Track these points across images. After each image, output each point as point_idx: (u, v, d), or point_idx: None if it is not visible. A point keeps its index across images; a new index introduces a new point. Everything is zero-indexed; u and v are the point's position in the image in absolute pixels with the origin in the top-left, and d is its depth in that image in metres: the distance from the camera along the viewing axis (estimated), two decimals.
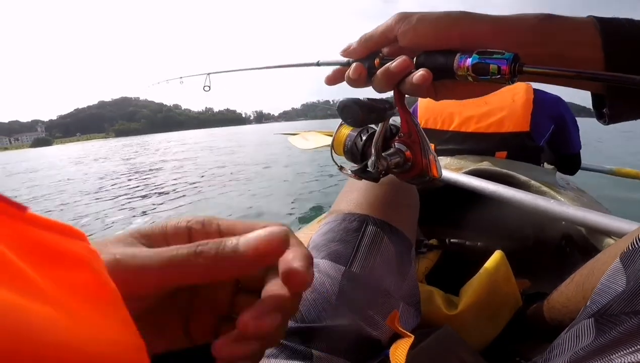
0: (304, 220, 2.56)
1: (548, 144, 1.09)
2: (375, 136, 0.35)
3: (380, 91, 0.31)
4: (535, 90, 1.03)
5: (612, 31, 0.27)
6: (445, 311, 0.54)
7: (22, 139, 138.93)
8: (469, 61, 0.26)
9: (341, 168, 0.40)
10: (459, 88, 0.30)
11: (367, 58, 0.32)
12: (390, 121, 0.35)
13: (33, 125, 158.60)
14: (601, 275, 0.32)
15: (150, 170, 6.67)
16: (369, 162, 0.35)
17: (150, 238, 0.19)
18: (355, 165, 0.37)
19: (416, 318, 0.44)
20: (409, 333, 0.35)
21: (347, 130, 0.42)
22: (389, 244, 0.43)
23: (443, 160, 1.05)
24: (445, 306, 0.55)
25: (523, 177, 0.85)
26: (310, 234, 0.57)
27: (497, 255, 0.58)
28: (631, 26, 0.27)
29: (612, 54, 0.26)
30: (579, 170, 1.21)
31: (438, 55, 0.28)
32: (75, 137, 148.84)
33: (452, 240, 0.78)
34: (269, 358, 0.36)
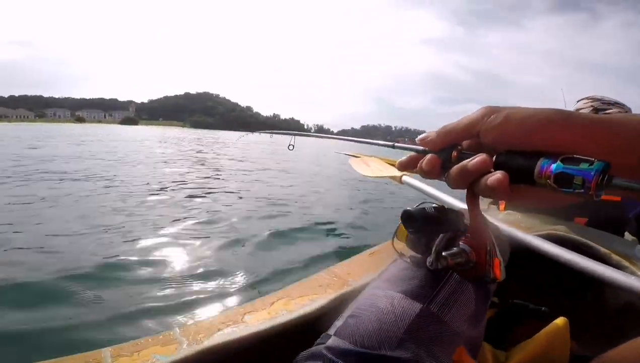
0: (341, 254, 2.46)
1: (636, 216, 1.01)
2: (436, 241, 0.34)
3: (453, 187, 0.30)
4: None
5: None
6: None
7: (115, 116, 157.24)
8: (552, 168, 0.24)
9: (401, 254, 0.40)
10: (538, 194, 0.27)
11: (444, 149, 0.30)
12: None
13: (127, 105, 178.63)
14: None
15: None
16: (429, 260, 0.33)
17: None
18: (416, 254, 0.36)
19: None
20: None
21: None
22: (471, 293, 0.42)
23: (512, 216, 1.00)
24: (493, 361, 0.54)
25: (603, 249, 0.79)
26: (350, 268, 0.72)
27: (560, 322, 0.54)
28: None
29: None
30: None
31: (519, 157, 0.26)
32: (157, 121, 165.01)
33: (515, 300, 0.72)
34: None
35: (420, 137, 0.32)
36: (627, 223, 1.01)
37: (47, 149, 9.39)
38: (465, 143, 0.31)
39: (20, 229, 2.64)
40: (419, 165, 0.32)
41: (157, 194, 4.24)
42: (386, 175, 1.21)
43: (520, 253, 0.69)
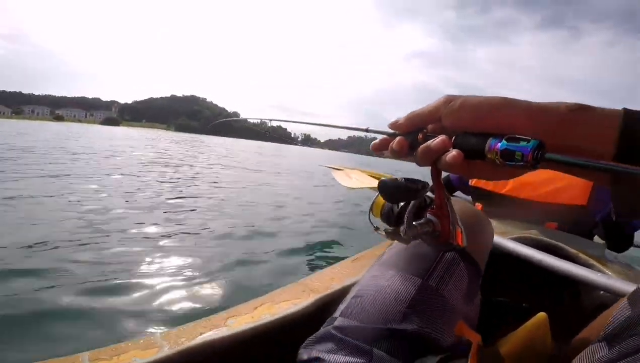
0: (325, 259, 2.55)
1: (602, 220, 1.04)
2: (407, 208, 0.38)
3: (420, 165, 0.34)
4: None
5: (633, 127, 0.27)
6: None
7: (97, 115, 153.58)
8: (498, 146, 0.28)
9: (376, 229, 0.43)
10: (489, 169, 0.31)
11: (412, 132, 0.35)
12: (428, 193, 0.37)
13: (110, 105, 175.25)
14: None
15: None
16: (401, 228, 0.37)
17: None
18: (389, 227, 0.40)
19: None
20: (476, 335, 0.39)
21: None
22: (464, 270, 0.47)
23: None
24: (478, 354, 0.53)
25: (572, 250, 0.84)
26: (342, 271, 0.76)
27: (540, 316, 0.57)
28: None
29: (623, 148, 0.27)
30: (631, 247, 1.13)
31: (472, 137, 0.30)
32: (140, 123, 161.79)
33: (498, 298, 0.77)
34: (328, 353, 0.39)
35: (391, 121, 0.36)
36: (595, 226, 1.05)
37: None
38: (430, 127, 0.34)
39: None
40: (390, 146, 0.36)
41: (135, 200, 4.17)
42: (366, 186, 1.26)
43: (497, 256, 0.72)
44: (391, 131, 0.37)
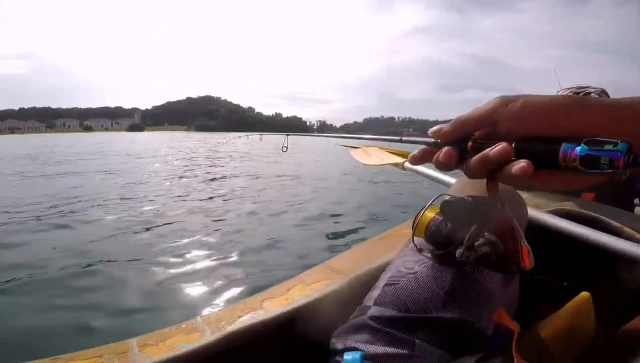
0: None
1: None
2: (469, 232, 0.33)
3: (472, 177, 0.30)
4: None
5: None
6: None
7: (121, 123, 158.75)
8: (577, 151, 0.24)
9: (420, 250, 0.41)
10: (560, 177, 0.27)
11: (458, 141, 0.30)
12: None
13: (132, 112, 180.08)
14: None
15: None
16: (458, 252, 0.33)
17: None
18: (436, 249, 0.37)
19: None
20: (516, 324, 0.37)
21: (431, 214, 0.42)
22: (515, 222, 0.41)
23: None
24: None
25: (614, 223, 0.77)
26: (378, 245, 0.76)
27: (583, 296, 0.55)
28: None
29: None
30: None
31: (541, 143, 0.26)
32: (163, 127, 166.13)
33: (535, 277, 0.74)
34: (365, 344, 0.38)
35: (433, 129, 0.32)
36: (637, 196, 0.99)
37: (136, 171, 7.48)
38: (477, 134, 0.30)
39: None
40: (435, 157, 0.31)
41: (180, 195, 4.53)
42: (388, 162, 1.22)
43: (533, 231, 0.68)
44: (431, 140, 0.32)
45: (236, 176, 6.51)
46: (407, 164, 1.16)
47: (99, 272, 2.10)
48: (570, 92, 1.22)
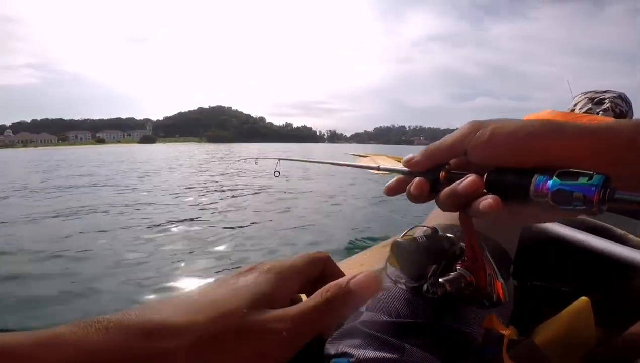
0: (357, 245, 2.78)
1: None
2: (431, 270, 0.31)
3: (444, 210, 0.28)
4: None
5: None
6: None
7: (133, 135, 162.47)
8: (548, 185, 0.22)
9: (395, 282, 0.39)
10: (531, 211, 0.25)
11: (431, 171, 0.29)
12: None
13: (144, 123, 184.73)
14: None
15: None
16: (425, 286, 0.30)
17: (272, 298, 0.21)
18: (411, 281, 0.36)
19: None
20: (507, 329, 0.37)
21: None
22: (488, 259, 0.41)
23: None
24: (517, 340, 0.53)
25: (619, 231, 0.76)
26: (365, 259, 0.68)
27: (582, 301, 0.54)
28: None
29: None
30: None
31: (512, 174, 0.24)
32: (174, 138, 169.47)
33: (534, 282, 0.73)
34: (357, 349, 0.38)
35: (405, 158, 0.31)
36: None
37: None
38: (453, 162, 0.29)
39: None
40: (407, 189, 0.30)
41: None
42: (395, 170, 1.11)
43: (534, 238, 0.73)
44: (406, 169, 0.31)
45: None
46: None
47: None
48: (587, 97, 1.18)
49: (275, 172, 0.70)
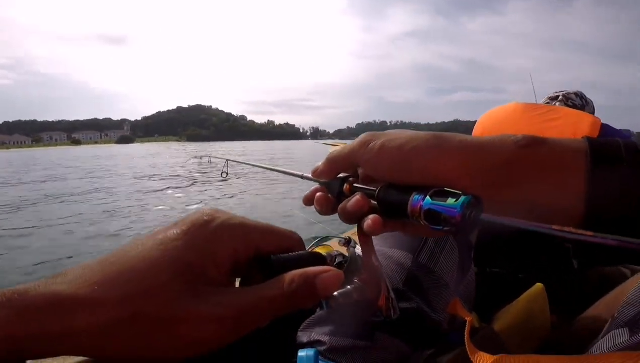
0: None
1: None
2: None
3: (347, 223, 0.27)
4: (604, 126, 0.90)
5: (602, 164, 0.20)
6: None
7: (110, 135, 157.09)
8: (422, 203, 0.21)
9: None
10: (412, 228, 0.25)
11: (337, 181, 0.27)
12: (358, 252, 0.31)
13: (121, 123, 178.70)
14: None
15: None
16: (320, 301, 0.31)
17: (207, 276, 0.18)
18: None
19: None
20: (469, 314, 0.38)
21: (323, 251, 0.40)
22: (453, 243, 0.45)
23: None
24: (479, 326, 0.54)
25: None
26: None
27: (536, 287, 0.56)
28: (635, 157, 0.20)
29: (596, 208, 0.20)
30: None
31: (394, 191, 0.24)
32: (153, 138, 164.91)
33: (493, 269, 0.75)
34: (329, 336, 0.38)
35: (313, 168, 0.29)
36: None
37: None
38: (360, 171, 0.28)
39: None
40: (315, 200, 0.28)
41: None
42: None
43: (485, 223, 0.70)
44: (322, 180, 0.29)
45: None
46: None
47: None
48: (549, 98, 1.24)
49: (222, 172, 0.67)
